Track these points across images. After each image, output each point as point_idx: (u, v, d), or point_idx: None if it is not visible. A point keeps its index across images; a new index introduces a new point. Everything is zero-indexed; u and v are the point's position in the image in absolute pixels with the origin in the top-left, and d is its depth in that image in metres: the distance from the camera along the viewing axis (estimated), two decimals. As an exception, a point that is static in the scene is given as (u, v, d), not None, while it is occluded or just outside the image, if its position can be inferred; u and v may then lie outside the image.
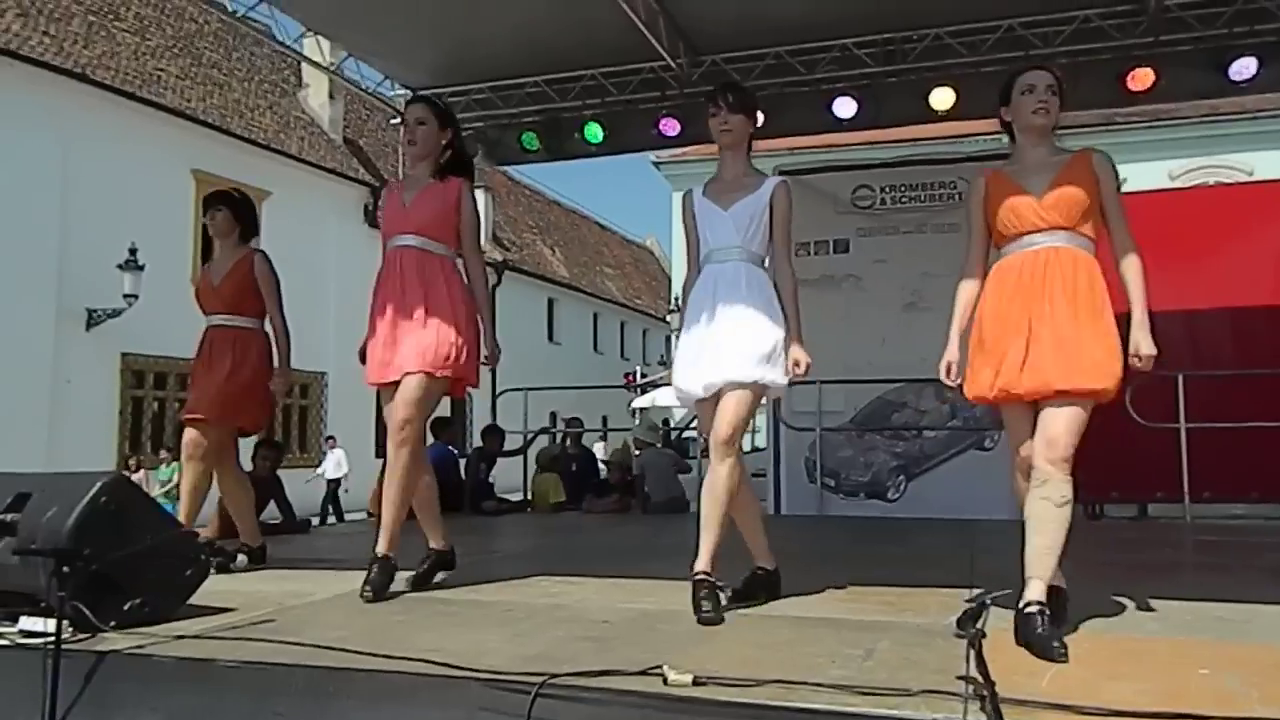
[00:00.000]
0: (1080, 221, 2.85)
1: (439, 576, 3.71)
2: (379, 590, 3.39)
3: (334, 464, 16.05)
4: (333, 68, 8.60)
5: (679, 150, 18.65)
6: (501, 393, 7.92)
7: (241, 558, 3.47)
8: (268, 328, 4.40)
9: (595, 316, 30.29)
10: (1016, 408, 2.88)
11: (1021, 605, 2.58)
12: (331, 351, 17.02)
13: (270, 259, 4.44)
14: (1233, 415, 6.77)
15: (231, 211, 4.46)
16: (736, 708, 2.05)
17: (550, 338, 27.49)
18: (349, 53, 7.90)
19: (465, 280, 3.68)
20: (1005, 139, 3.16)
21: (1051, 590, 2.69)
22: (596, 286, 30.87)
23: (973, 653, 1.89)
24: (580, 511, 7.58)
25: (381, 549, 3.51)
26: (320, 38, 7.76)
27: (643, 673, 2.21)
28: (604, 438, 18.49)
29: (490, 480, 8.05)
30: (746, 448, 10.93)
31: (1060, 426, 2.71)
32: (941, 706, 1.96)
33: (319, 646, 2.49)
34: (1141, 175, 18.76)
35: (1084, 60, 6.92)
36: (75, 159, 13.68)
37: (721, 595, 3.05)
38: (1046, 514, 2.67)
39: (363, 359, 3.66)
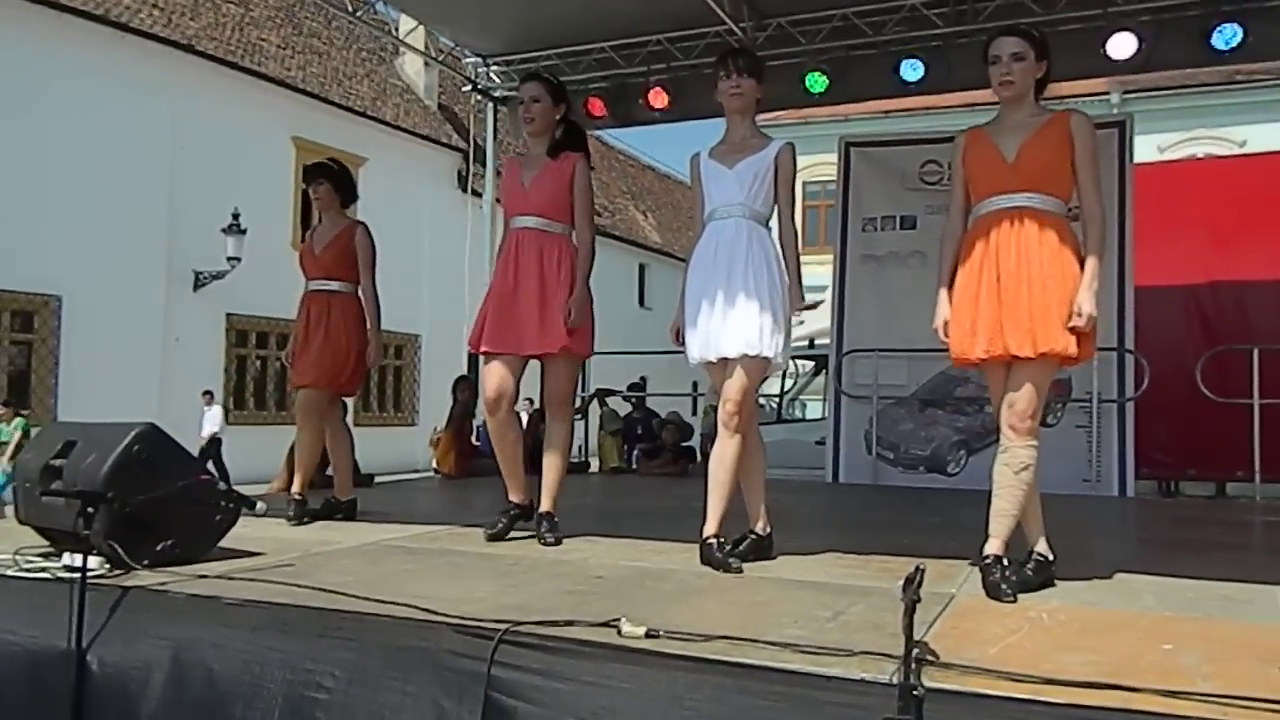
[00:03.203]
0: (1048, 184, 2.86)
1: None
2: (501, 535, 3.76)
3: (211, 421, 14.20)
4: (408, 35, 8.80)
5: (771, 115, 18.43)
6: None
7: (261, 505, 3.69)
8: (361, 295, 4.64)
9: (687, 282, 30.27)
10: (994, 370, 2.92)
11: (981, 559, 2.79)
12: (425, 314, 17.58)
13: (371, 231, 4.67)
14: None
15: (332, 184, 4.68)
16: (679, 660, 2.13)
17: (641, 303, 27.63)
18: (419, 22, 8.09)
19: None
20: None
21: (1036, 556, 2.95)
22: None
23: (904, 615, 1.92)
24: (637, 474, 7.73)
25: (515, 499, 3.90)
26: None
27: (602, 624, 2.31)
28: (694, 404, 18.58)
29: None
30: (817, 414, 10.89)
31: (1020, 389, 2.77)
32: (873, 666, 2.01)
33: (318, 589, 2.67)
34: (1264, 137, 17.66)
35: (1168, 17, 6.61)
36: (183, 127, 14.39)
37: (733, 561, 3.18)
38: (1005, 479, 2.85)
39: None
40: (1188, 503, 7.04)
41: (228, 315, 15.42)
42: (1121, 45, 6.59)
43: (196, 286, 14.83)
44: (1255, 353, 6.32)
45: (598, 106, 8.25)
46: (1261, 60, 7.58)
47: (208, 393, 13.85)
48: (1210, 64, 7.00)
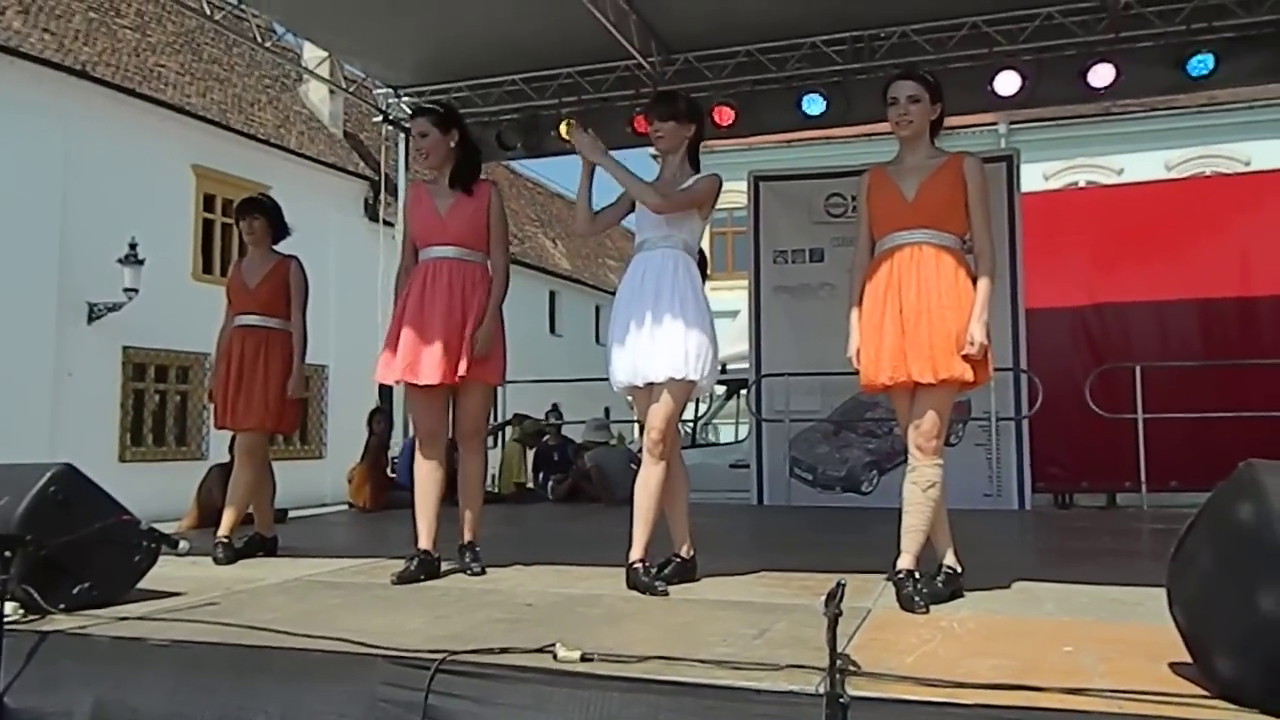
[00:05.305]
0: (944, 221, 3.07)
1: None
2: (412, 580, 3.58)
3: None
4: (317, 65, 8.73)
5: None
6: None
7: (184, 543, 3.64)
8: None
9: (597, 309, 30.41)
10: (900, 395, 3.08)
11: (894, 573, 2.97)
12: (332, 345, 17.12)
13: (304, 266, 4.61)
14: (1199, 407, 6.90)
15: (266, 219, 4.60)
16: (615, 681, 2.20)
17: (552, 330, 27.65)
18: (329, 52, 8.04)
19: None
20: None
21: (945, 569, 3.13)
22: (599, 279, 30.97)
23: (827, 629, 2.03)
24: (550, 501, 7.80)
25: (424, 544, 3.74)
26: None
27: (537, 650, 2.36)
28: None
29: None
30: (730, 438, 11.07)
31: (925, 413, 2.95)
32: (799, 678, 2.11)
33: (246, 627, 2.66)
34: (1139, 165, 18.75)
35: (1048, 57, 7.02)
36: (76, 155, 13.87)
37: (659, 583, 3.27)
38: (914, 497, 3.04)
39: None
40: (1081, 514, 7.42)
41: (124, 348, 14.82)
42: (1007, 83, 6.99)
43: (91, 319, 14.24)
44: (1138, 370, 6.72)
45: (725, 115, 7.75)
46: (1133, 96, 8.13)
47: None
48: (1087, 100, 7.45)
